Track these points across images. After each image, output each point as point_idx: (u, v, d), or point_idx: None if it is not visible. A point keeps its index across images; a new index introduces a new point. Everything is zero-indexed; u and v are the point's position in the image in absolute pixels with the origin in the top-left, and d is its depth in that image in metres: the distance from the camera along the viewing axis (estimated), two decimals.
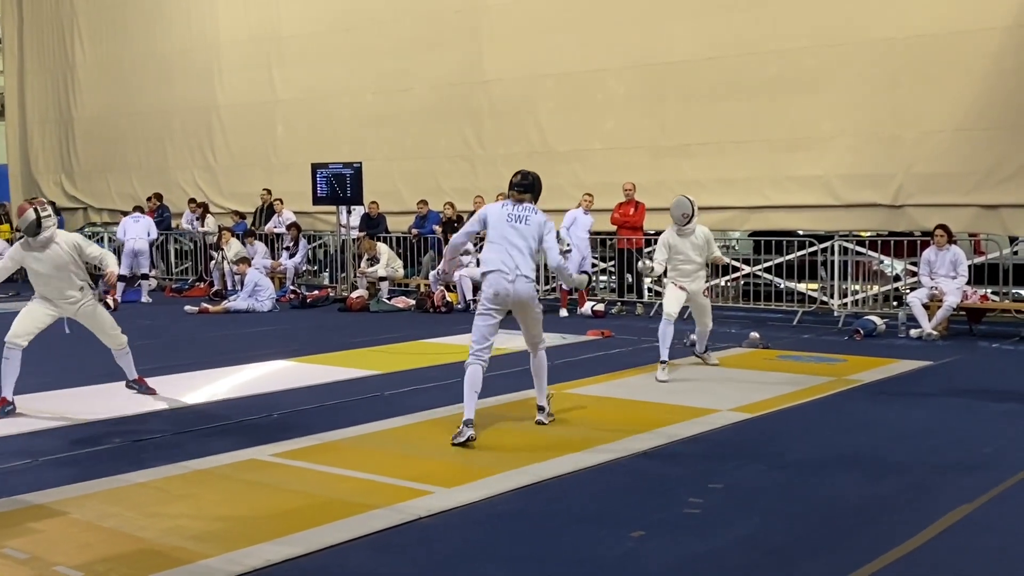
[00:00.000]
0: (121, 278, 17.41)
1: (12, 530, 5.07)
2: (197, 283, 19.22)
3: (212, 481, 6.02)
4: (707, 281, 10.53)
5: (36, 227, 7.89)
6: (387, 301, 16.08)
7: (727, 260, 11.71)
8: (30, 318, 8.11)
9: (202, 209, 20.45)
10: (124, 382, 8.76)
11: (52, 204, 21.82)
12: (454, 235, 7.88)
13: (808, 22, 14.17)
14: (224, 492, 5.79)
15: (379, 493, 5.68)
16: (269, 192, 19.61)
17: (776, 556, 4.70)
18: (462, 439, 6.80)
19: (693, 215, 9.65)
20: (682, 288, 9.76)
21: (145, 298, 17.49)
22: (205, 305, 15.93)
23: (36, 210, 7.92)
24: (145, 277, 17.91)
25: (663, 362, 9.41)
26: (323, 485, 5.91)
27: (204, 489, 5.84)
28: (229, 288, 17.67)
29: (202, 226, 20.07)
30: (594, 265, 15.71)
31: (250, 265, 16.58)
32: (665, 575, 4.46)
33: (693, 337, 11.30)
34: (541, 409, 7.55)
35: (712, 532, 5.02)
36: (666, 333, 9.51)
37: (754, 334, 11.67)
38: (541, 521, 5.24)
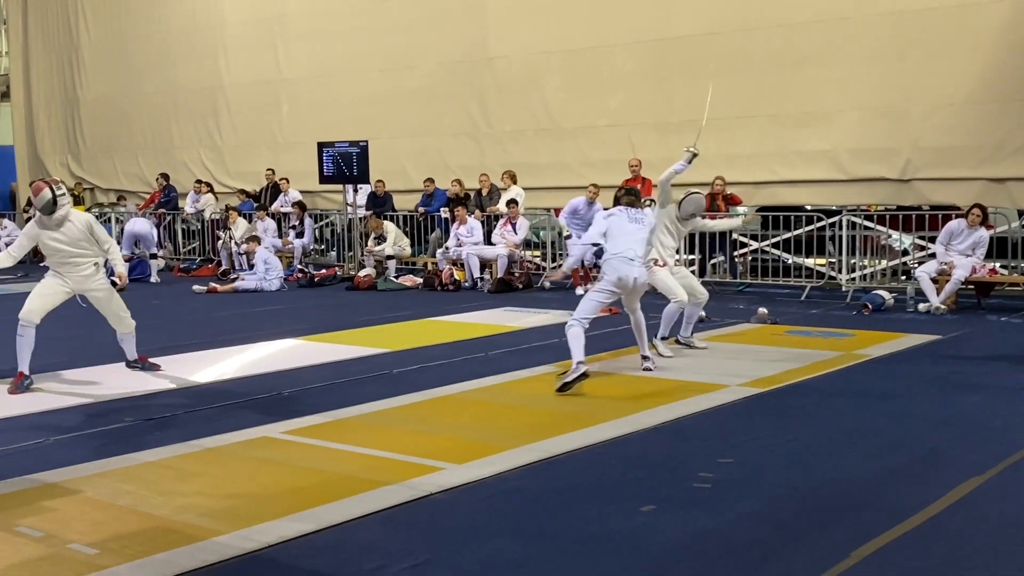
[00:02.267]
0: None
1: (26, 508, 5.11)
2: (204, 263, 19.25)
3: (224, 459, 6.05)
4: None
5: (52, 205, 8.08)
6: (394, 279, 16.09)
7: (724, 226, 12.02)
8: (44, 296, 8.26)
9: (209, 187, 20.46)
10: (125, 362, 8.87)
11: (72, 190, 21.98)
12: (584, 238, 9.04)
13: None
14: (236, 470, 5.82)
15: (389, 470, 5.71)
16: (273, 172, 19.61)
17: (786, 531, 4.72)
18: (577, 374, 7.66)
19: None
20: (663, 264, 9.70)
21: (154, 278, 17.54)
22: (213, 285, 15.97)
23: (52, 188, 8.08)
24: (154, 256, 17.94)
25: (664, 338, 9.50)
26: (334, 462, 5.94)
27: (216, 467, 5.87)
28: (236, 268, 17.69)
29: (197, 202, 20.04)
30: (595, 244, 15.58)
31: (260, 244, 16.59)
32: (675, 550, 4.49)
33: (702, 313, 11.30)
34: (646, 358, 8.68)
35: (722, 507, 5.04)
36: (673, 314, 9.55)
37: (762, 309, 11.68)
38: (551, 496, 5.26)
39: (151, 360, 8.93)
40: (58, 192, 8.10)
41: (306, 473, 5.72)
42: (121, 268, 8.75)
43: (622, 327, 11.17)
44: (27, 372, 8.15)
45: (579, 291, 14.76)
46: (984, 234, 12.27)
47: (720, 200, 14.40)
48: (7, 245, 23.19)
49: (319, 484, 5.49)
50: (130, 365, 8.85)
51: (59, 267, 8.31)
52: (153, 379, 8.54)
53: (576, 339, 7.93)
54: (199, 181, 20.80)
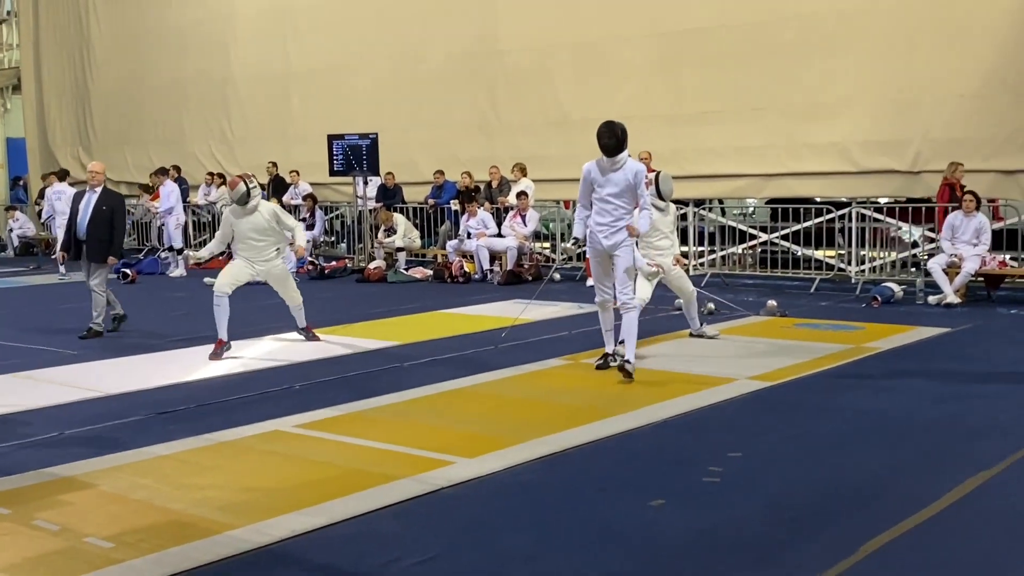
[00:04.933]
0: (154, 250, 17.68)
1: (43, 502, 5.18)
2: (216, 256, 19.26)
3: (237, 453, 6.11)
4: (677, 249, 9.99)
5: (246, 197, 9.33)
6: (405, 272, 16.14)
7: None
8: (232, 273, 9.44)
9: (222, 179, 20.52)
10: (296, 330, 10.14)
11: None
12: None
13: None
14: (250, 463, 5.88)
15: (402, 463, 5.76)
16: (275, 165, 19.68)
17: (795, 524, 4.75)
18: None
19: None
20: (657, 266, 9.41)
21: (181, 272, 17.49)
22: None
23: (246, 182, 9.34)
24: (180, 251, 17.87)
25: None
26: (346, 456, 6.00)
27: (230, 461, 5.93)
28: None
29: (208, 194, 20.10)
30: None
31: None
32: (685, 544, 4.53)
33: (711, 305, 11.33)
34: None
35: (732, 501, 5.08)
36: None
37: (772, 302, 11.69)
38: (562, 490, 5.31)
39: (314, 331, 10.10)
40: (251, 185, 9.34)
41: (319, 467, 5.78)
42: (301, 241, 9.84)
43: None
44: (226, 339, 9.21)
45: (590, 282, 14.78)
46: (983, 219, 12.29)
47: (958, 189, 12.69)
48: (19, 238, 23.35)
49: (332, 478, 5.54)
50: (299, 332, 10.09)
51: (246, 252, 9.48)
52: (163, 373, 8.61)
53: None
54: (211, 173, 20.89)
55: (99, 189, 10.71)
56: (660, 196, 9.44)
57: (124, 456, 6.00)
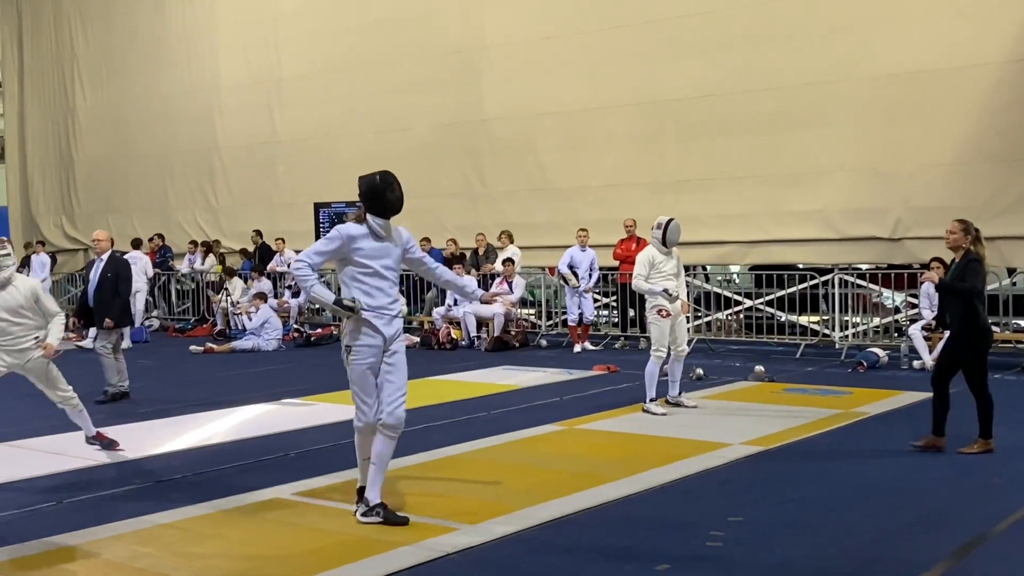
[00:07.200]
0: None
1: (47, 571, 5.15)
2: (199, 323, 19.28)
3: (238, 520, 6.09)
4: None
5: None
6: None
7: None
8: None
9: (206, 248, 20.59)
10: (84, 438, 8.06)
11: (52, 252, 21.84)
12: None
13: (805, 59, 14.41)
14: (251, 531, 5.87)
15: (404, 530, 5.75)
16: (259, 234, 19.78)
17: None
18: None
19: None
20: (668, 314, 9.45)
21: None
22: (210, 345, 16.01)
23: None
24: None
25: (653, 399, 9.42)
26: (348, 523, 5.98)
27: (231, 529, 5.91)
28: (234, 328, 17.74)
29: (202, 263, 20.18)
30: (596, 300, 15.86)
31: (265, 301, 16.65)
32: None
33: (699, 371, 11.42)
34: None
35: (736, 565, 5.12)
36: (655, 373, 9.42)
37: (759, 367, 11.80)
38: (567, 556, 5.33)
39: (109, 437, 8.14)
40: (1, 252, 7.49)
41: (321, 534, 5.77)
42: (54, 338, 7.63)
43: (621, 385, 11.31)
44: None
45: (576, 348, 14.89)
46: None
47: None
48: None
49: (335, 545, 5.53)
50: (89, 441, 8.04)
51: None
52: (160, 441, 8.56)
53: None
54: (193, 241, 20.95)
55: (105, 256, 10.80)
56: (664, 243, 9.53)
57: (124, 525, 5.96)
